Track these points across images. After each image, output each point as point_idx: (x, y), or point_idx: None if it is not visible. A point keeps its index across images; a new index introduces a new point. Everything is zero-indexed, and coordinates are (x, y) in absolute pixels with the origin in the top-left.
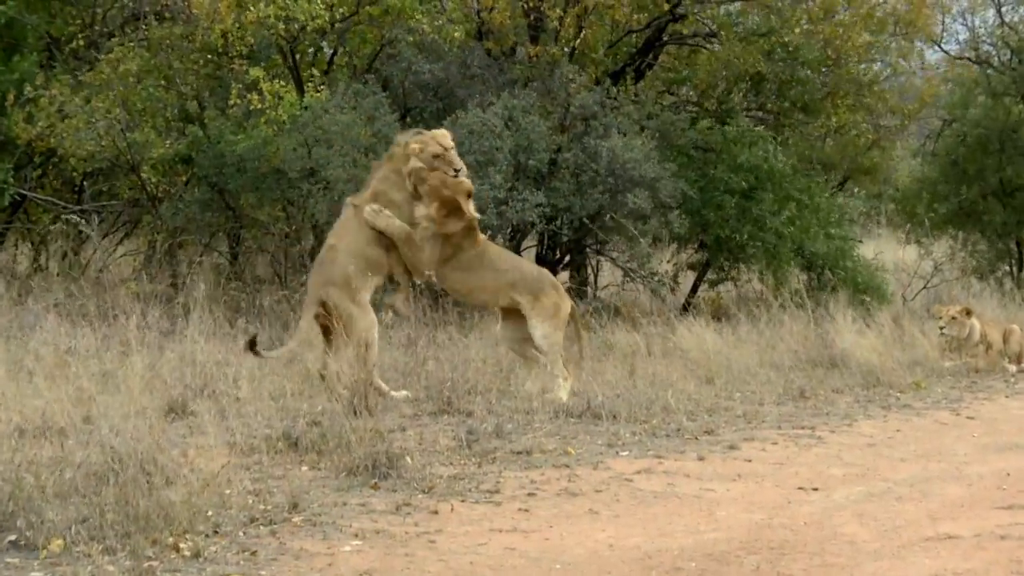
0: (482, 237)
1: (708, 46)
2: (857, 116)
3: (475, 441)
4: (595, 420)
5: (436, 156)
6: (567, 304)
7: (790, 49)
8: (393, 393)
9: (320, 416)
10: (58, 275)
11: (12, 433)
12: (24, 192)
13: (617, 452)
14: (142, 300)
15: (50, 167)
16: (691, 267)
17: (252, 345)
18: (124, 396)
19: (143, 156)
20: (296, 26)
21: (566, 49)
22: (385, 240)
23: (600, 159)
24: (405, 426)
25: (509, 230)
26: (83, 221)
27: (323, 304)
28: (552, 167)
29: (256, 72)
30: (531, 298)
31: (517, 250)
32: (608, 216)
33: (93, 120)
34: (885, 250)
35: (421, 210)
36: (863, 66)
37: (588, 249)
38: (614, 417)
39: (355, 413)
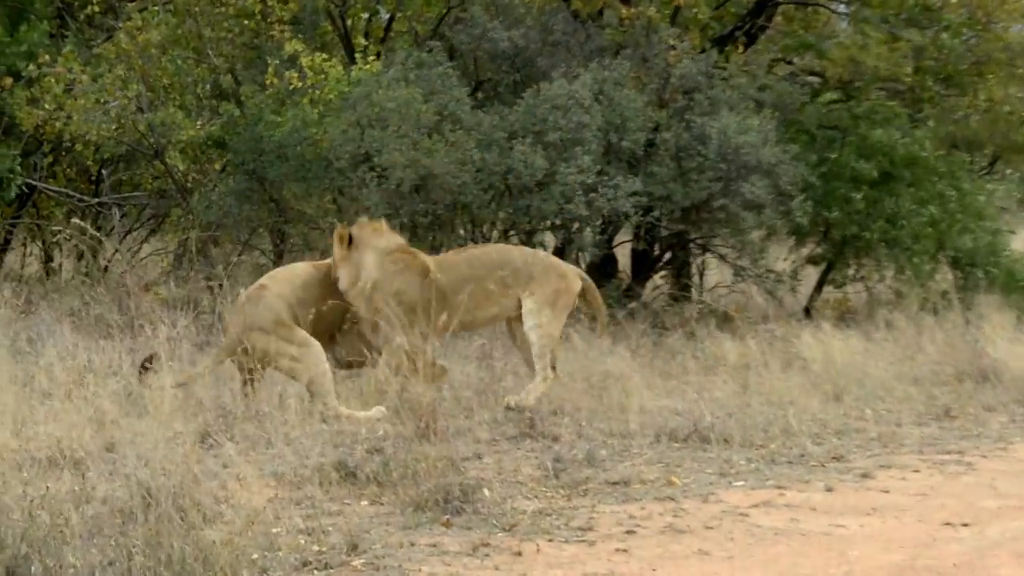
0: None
1: (831, 6)
2: (1010, 89)
3: (563, 470)
4: (703, 444)
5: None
6: (569, 288)
7: (932, 10)
8: (362, 414)
9: (382, 442)
10: (73, 279)
11: (24, 464)
12: (33, 183)
13: (730, 482)
14: (171, 307)
15: (63, 153)
16: (811, 261)
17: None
18: (152, 420)
19: (169, 140)
20: None
21: (665, 11)
22: (325, 289)
23: (709, 142)
24: (481, 453)
25: (600, 221)
26: (102, 216)
27: (244, 351)
28: (649, 149)
29: (294, 45)
30: (523, 285)
31: (609, 244)
32: (718, 205)
33: (104, 99)
34: None
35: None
36: (1017, 29)
37: (692, 244)
38: (726, 441)
39: (422, 438)
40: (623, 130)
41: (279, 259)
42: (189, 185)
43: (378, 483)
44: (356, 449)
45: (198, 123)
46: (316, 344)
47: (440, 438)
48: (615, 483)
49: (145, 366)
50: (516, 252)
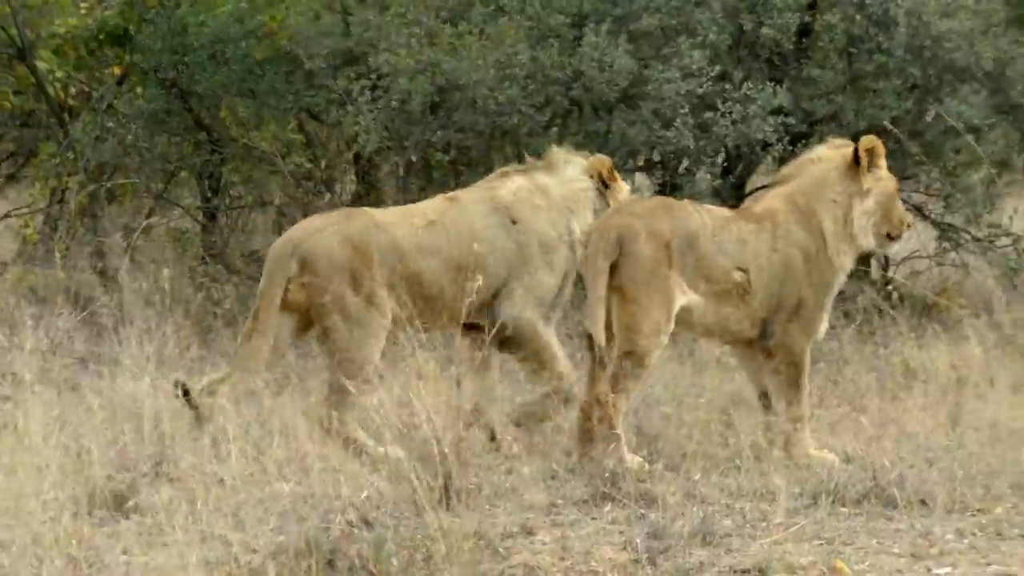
0: None
1: None
2: None
3: (663, 551)
4: (887, 509)
5: None
6: None
7: None
8: (370, 448)
9: (374, 509)
10: None
11: None
12: None
13: (928, 568)
14: (39, 300)
15: None
16: None
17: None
18: (12, 481)
19: (39, 33)
20: None
21: None
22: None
23: (895, 29)
24: (533, 526)
25: (722, 156)
26: None
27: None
28: (802, 41)
29: None
30: None
31: (738, 192)
32: (911, 130)
33: None
34: None
35: None
36: None
37: None
38: (923, 503)
39: (440, 502)
40: (760, 9)
41: (211, 221)
42: (70, 103)
43: (369, 574)
44: (334, 521)
45: (83, 5)
46: (380, 319)
47: (468, 503)
48: (745, 571)
49: (186, 395)
50: None
